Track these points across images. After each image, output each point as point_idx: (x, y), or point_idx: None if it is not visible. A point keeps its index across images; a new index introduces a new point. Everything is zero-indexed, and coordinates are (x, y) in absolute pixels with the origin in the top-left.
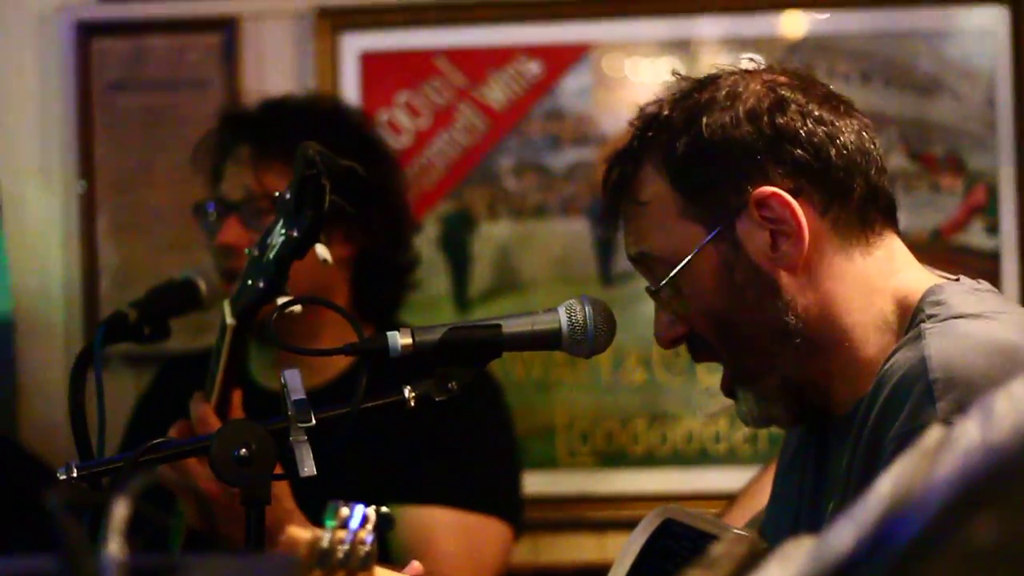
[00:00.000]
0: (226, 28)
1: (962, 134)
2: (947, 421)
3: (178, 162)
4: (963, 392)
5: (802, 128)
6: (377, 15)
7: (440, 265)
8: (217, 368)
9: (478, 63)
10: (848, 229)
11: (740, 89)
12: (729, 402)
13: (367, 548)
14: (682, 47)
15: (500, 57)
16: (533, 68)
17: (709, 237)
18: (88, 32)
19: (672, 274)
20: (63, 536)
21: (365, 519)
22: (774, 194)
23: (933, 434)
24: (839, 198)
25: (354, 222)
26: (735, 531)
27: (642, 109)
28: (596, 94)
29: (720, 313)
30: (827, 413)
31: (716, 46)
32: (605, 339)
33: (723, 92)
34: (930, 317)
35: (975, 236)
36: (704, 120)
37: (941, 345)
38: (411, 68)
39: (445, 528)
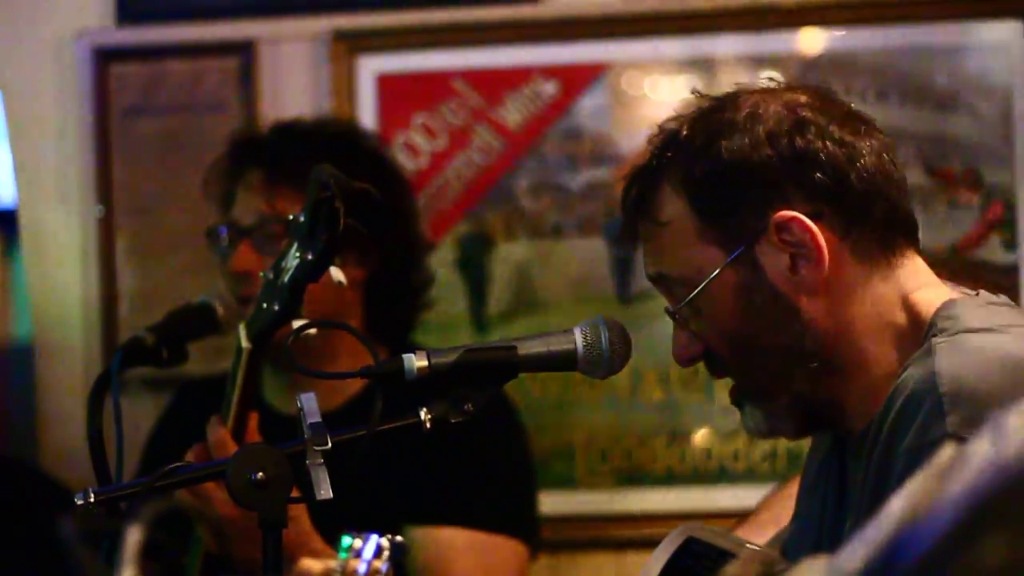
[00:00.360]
0: (243, 52)
1: (979, 149)
2: (957, 435)
3: (196, 186)
4: (973, 406)
5: (822, 151)
6: (393, 37)
7: (458, 286)
8: (233, 392)
9: (495, 84)
10: (868, 252)
11: (760, 110)
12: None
13: None
14: (700, 65)
15: (516, 78)
16: (549, 88)
17: (728, 260)
18: (106, 57)
19: (690, 296)
20: (78, 564)
21: (379, 549)
22: (794, 218)
23: (945, 452)
24: (859, 221)
25: (368, 244)
26: (755, 548)
27: (661, 127)
28: (613, 113)
29: (737, 334)
30: (843, 430)
31: (734, 64)
32: (621, 360)
33: (743, 113)
34: (941, 331)
35: (993, 251)
36: (723, 143)
37: (951, 359)
38: (428, 90)
39: (461, 549)
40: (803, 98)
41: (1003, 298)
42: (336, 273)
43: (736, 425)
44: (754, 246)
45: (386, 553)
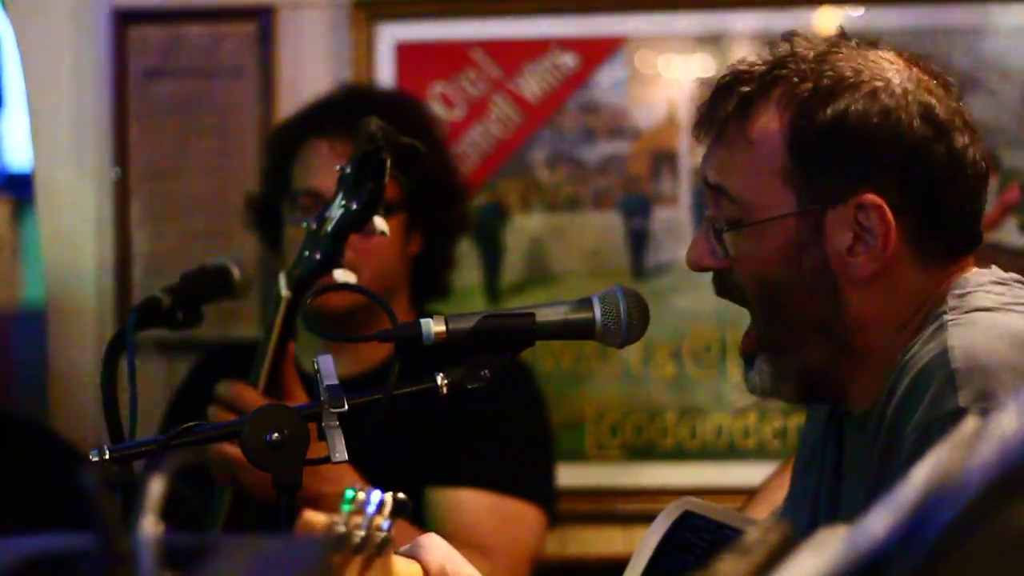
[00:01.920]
0: (262, 17)
1: (997, 132)
2: (969, 410)
3: (212, 150)
4: (985, 382)
5: (936, 154)
6: (413, 6)
7: (472, 256)
8: (269, 341)
9: (513, 55)
10: (929, 259)
11: (896, 82)
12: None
13: (384, 534)
14: (714, 42)
15: (535, 49)
16: (568, 61)
17: (798, 210)
18: (124, 19)
19: (743, 224)
20: (98, 513)
21: (381, 504)
22: (880, 206)
23: (969, 423)
24: (935, 230)
25: (432, 222)
26: (757, 520)
27: (789, 39)
28: (630, 88)
29: (771, 282)
30: (841, 407)
31: (749, 41)
32: (639, 329)
33: (880, 80)
34: (952, 310)
35: (1009, 234)
36: (851, 101)
37: (963, 336)
38: (446, 59)
39: (481, 510)
40: (936, 87)
41: (1013, 275)
42: (380, 223)
43: (747, 402)
44: (828, 211)
45: (387, 509)
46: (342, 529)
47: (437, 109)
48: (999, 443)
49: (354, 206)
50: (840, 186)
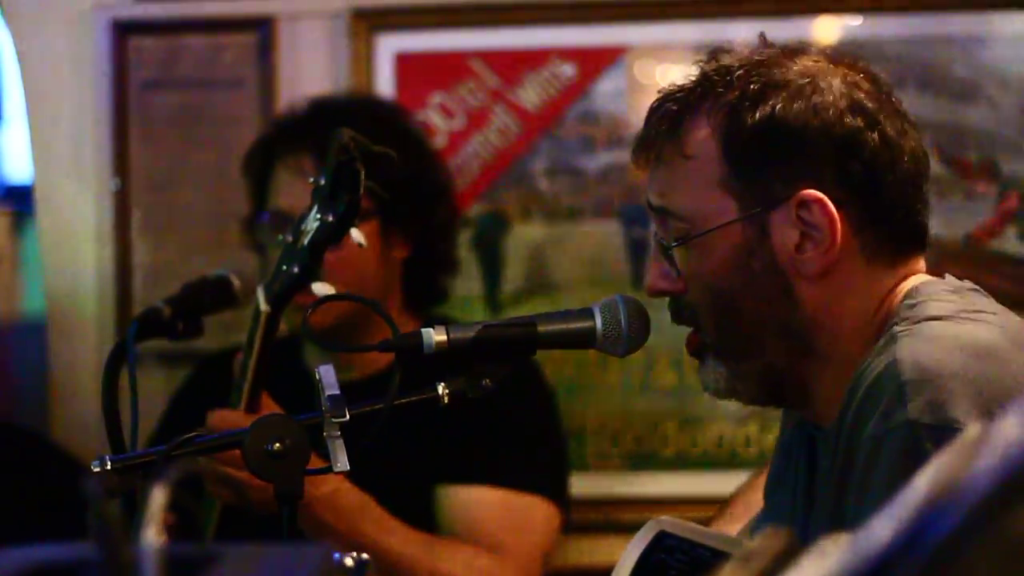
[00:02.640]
0: (261, 28)
1: (996, 140)
2: (918, 422)
3: (212, 162)
4: (935, 393)
5: (869, 142)
6: (412, 16)
7: (472, 266)
8: (250, 356)
9: (512, 65)
10: (877, 253)
11: (820, 81)
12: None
13: None
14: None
15: (534, 59)
16: (567, 70)
17: (741, 216)
18: (124, 31)
19: (689, 238)
20: (101, 523)
21: None
22: (820, 200)
23: (971, 430)
24: (878, 222)
25: (413, 223)
26: (731, 537)
27: (714, 56)
28: (630, 97)
29: (724, 291)
30: (808, 414)
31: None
32: (640, 337)
33: (804, 78)
34: (903, 320)
35: (1008, 242)
36: (778, 101)
37: (913, 347)
38: (446, 69)
39: (493, 507)
40: (862, 81)
41: (968, 283)
42: (357, 235)
43: (749, 411)
44: (770, 212)
45: None
46: None
47: (436, 119)
48: (1001, 449)
49: (330, 218)
50: (778, 186)
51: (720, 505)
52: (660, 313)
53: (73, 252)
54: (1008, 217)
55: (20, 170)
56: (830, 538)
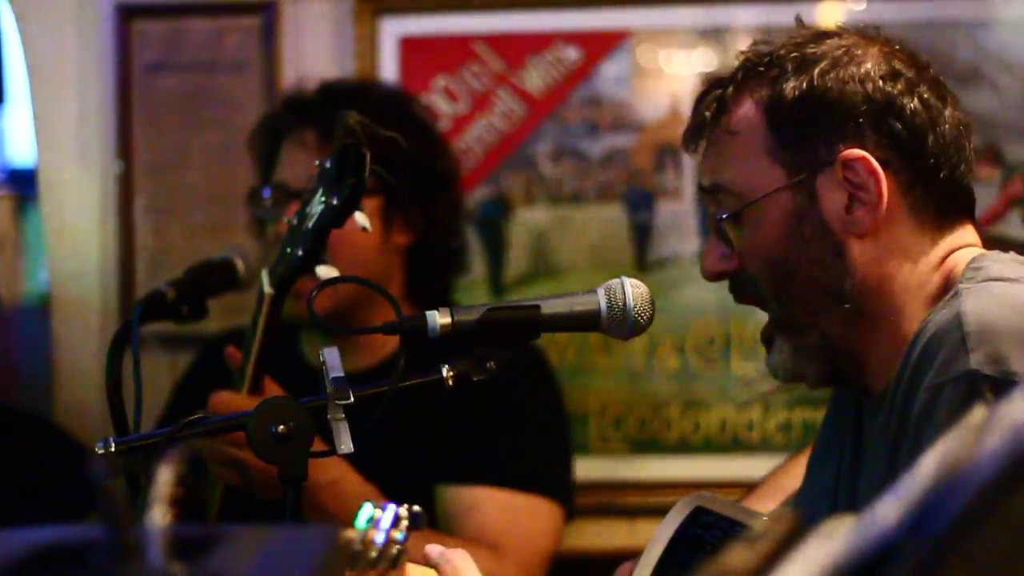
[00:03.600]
0: (265, 11)
1: (1000, 125)
2: (979, 373)
3: (216, 144)
4: (996, 346)
5: (908, 104)
6: (416, 0)
7: (476, 250)
8: (254, 338)
9: (517, 49)
10: (924, 213)
11: (858, 51)
12: (762, 391)
13: (399, 547)
14: (717, 35)
15: (539, 43)
16: (571, 54)
17: (789, 182)
18: (128, 13)
19: (741, 208)
20: (107, 503)
21: (397, 518)
22: (863, 158)
23: (978, 411)
24: (924, 181)
25: (417, 209)
26: (769, 515)
27: (754, 44)
28: (634, 81)
29: (779, 260)
30: (862, 387)
31: (751, 35)
32: (644, 320)
33: (841, 50)
34: (967, 280)
35: (1012, 227)
36: (817, 70)
37: (977, 302)
38: (450, 53)
39: (493, 508)
40: (899, 52)
41: None
42: (361, 219)
43: (751, 395)
44: (817, 176)
45: (404, 523)
46: (357, 547)
47: (440, 103)
48: (1009, 430)
49: (335, 201)
50: (823, 150)
51: (751, 486)
52: (661, 298)
53: (76, 235)
54: (1012, 202)
55: (23, 153)
56: (837, 519)
